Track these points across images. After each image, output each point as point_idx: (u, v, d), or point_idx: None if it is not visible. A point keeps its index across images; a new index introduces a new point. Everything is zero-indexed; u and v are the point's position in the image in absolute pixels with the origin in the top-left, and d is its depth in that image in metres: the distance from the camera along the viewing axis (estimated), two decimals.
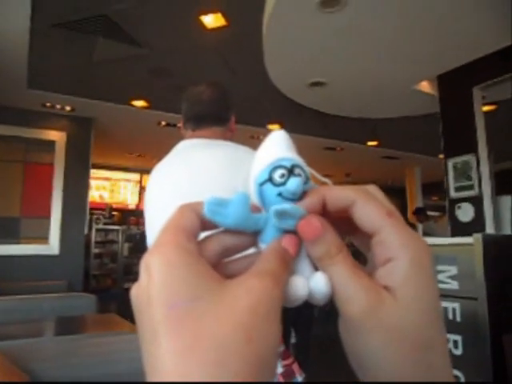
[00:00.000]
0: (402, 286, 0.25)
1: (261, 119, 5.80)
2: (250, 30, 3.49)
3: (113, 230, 8.24)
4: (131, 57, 4.01)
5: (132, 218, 8.78)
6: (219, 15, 3.31)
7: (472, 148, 3.77)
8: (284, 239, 0.27)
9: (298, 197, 0.28)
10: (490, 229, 3.55)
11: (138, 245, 6.37)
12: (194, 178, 1.31)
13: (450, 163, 3.92)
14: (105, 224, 8.28)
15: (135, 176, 9.38)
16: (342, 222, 0.29)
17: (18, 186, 5.11)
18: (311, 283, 0.27)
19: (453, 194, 3.86)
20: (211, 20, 3.38)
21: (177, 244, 0.24)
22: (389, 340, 0.24)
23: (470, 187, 3.74)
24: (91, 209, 6.92)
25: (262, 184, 0.28)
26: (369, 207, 0.27)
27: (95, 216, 8.09)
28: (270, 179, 0.28)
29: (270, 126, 6.20)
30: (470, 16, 3.05)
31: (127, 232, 8.28)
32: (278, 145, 0.30)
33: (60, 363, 1.49)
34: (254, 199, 0.29)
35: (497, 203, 3.69)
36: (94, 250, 7.87)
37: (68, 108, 5.28)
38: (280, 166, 0.28)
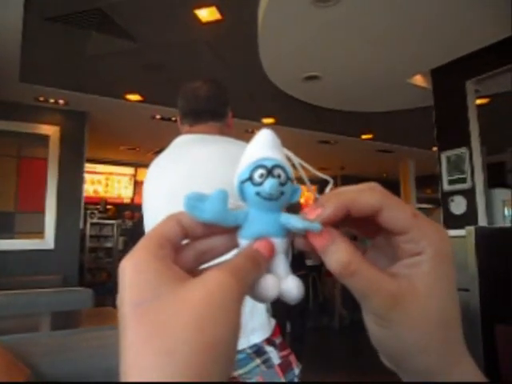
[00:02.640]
0: (425, 276, 0.27)
1: (255, 113, 5.79)
2: (244, 24, 3.49)
3: (107, 224, 8.21)
4: (125, 51, 3.99)
5: (127, 212, 8.75)
6: (214, 9, 3.30)
7: (465, 141, 3.81)
8: (256, 243, 0.29)
9: (276, 197, 0.28)
10: (482, 221, 3.60)
11: (131, 237, 6.35)
12: (191, 173, 1.33)
13: (444, 156, 3.95)
14: (99, 218, 8.25)
15: (130, 170, 9.34)
16: (361, 225, 0.31)
17: (12, 180, 5.08)
18: (283, 286, 0.29)
19: (446, 186, 3.90)
20: (206, 14, 3.37)
21: (147, 250, 0.26)
22: (415, 325, 0.27)
23: (463, 180, 3.77)
24: (86, 203, 6.89)
25: (243, 182, 0.29)
26: (395, 212, 0.28)
27: (90, 210, 8.06)
28: (251, 178, 0.29)
29: (265, 120, 6.21)
30: (463, 10, 3.07)
31: (122, 226, 8.26)
32: (262, 144, 0.30)
33: (58, 358, 1.50)
34: (237, 195, 0.30)
35: (489, 196, 3.73)
36: (89, 245, 7.85)
37: (61, 102, 5.24)
38: (261, 166, 0.29)
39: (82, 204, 5.76)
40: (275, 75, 4.31)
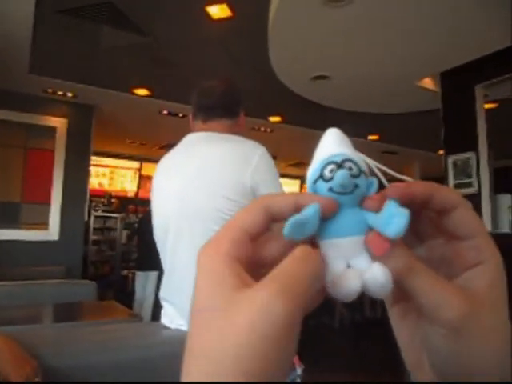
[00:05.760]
0: (490, 288, 0.27)
1: (262, 111, 5.79)
2: (255, 22, 3.48)
3: (111, 217, 8.25)
4: (135, 45, 3.99)
5: (131, 205, 8.77)
6: (225, 6, 3.30)
7: (472, 145, 3.79)
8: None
9: (350, 190, 0.27)
10: (487, 227, 3.58)
11: (136, 230, 6.38)
12: (202, 170, 1.34)
13: (450, 160, 3.94)
14: (103, 211, 8.28)
15: (135, 164, 9.36)
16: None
17: (18, 171, 5.11)
18: (367, 275, 0.27)
19: None
20: (217, 11, 3.37)
21: (221, 248, 0.25)
22: (487, 339, 0.26)
23: (469, 184, 3.76)
24: (90, 196, 6.92)
25: (315, 182, 0.28)
26: (470, 213, 0.28)
27: (94, 203, 8.09)
28: (321, 176, 0.28)
29: (271, 118, 6.21)
30: (474, 15, 3.06)
31: (126, 220, 8.29)
32: (329, 143, 0.30)
33: (62, 350, 1.51)
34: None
35: (495, 201, 3.72)
36: (93, 237, 7.89)
37: (70, 94, 5.26)
38: (330, 162, 0.28)
39: (87, 196, 5.78)
40: (284, 74, 4.31)
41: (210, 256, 0.25)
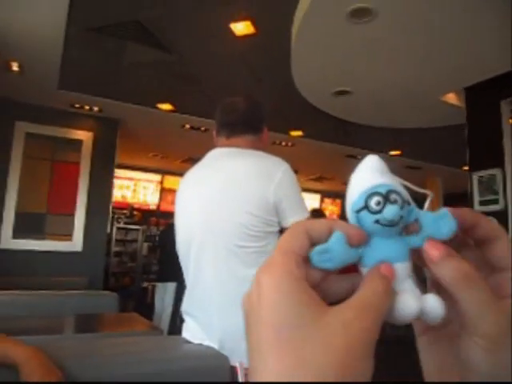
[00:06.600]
0: None
1: (283, 125, 5.82)
2: (277, 38, 3.53)
3: (133, 229, 8.36)
4: (160, 62, 4.08)
5: (152, 218, 8.87)
6: (248, 23, 3.36)
7: (498, 162, 3.72)
8: (382, 267, 0.28)
9: (396, 222, 0.28)
10: None
11: (159, 242, 6.43)
12: (227, 184, 1.35)
13: (475, 176, 3.87)
14: (125, 223, 8.41)
15: (157, 177, 9.47)
16: None
17: (45, 183, 5.24)
18: (425, 304, 0.28)
19: (477, 207, 3.80)
20: (241, 27, 3.43)
21: (286, 269, 0.26)
22: None
23: (495, 201, 3.68)
24: (113, 208, 7.03)
25: (358, 211, 0.28)
26: (509, 246, 0.29)
27: (116, 215, 8.22)
28: (366, 207, 0.28)
29: (292, 133, 6.22)
30: (499, 30, 3.02)
31: (147, 232, 8.38)
32: (371, 170, 0.30)
33: (84, 362, 1.52)
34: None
35: None
36: (115, 249, 7.99)
37: (96, 109, 5.40)
38: (375, 193, 0.28)
39: (111, 208, 5.87)
40: (306, 89, 4.32)
41: (279, 277, 0.26)
